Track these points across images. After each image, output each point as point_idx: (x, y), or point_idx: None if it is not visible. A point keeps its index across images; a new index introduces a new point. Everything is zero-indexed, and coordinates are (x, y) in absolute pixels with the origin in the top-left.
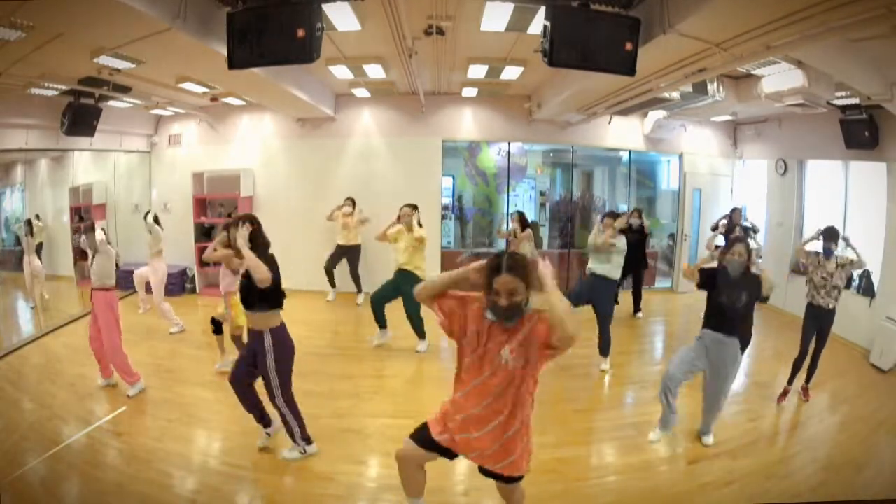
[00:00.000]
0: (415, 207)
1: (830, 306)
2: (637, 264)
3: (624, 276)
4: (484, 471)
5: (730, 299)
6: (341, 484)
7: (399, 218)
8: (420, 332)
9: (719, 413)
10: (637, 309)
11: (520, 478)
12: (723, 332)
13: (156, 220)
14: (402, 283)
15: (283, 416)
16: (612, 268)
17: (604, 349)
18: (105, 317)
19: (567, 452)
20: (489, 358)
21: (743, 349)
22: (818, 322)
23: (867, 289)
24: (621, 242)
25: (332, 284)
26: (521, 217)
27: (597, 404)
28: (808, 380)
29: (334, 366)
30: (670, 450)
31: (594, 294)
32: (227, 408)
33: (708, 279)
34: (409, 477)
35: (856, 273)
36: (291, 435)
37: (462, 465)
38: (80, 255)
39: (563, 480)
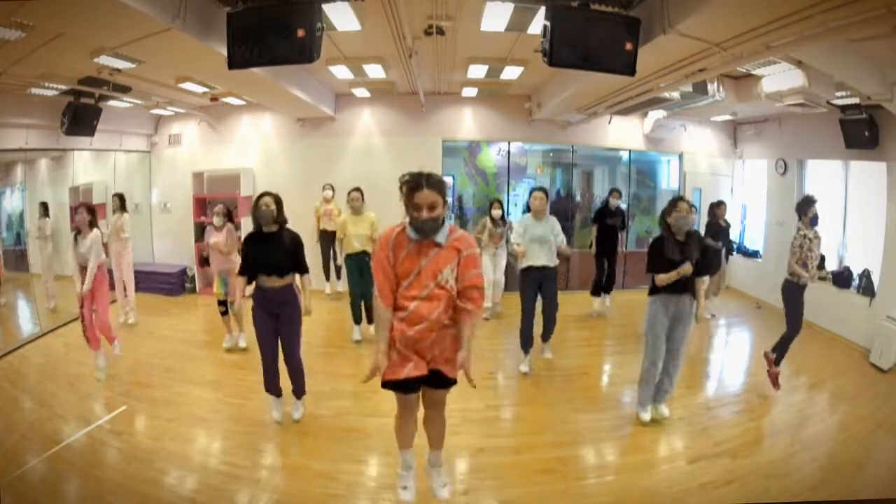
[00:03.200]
0: (361, 191)
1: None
2: (611, 252)
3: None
4: (422, 381)
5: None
6: (341, 483)
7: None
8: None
9: (678, 375)
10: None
11: (454, 381)
12: (677, 292)
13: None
14: (366, 269)
15: (300, 370)
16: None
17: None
18: (101, 290)
19: (567, 452)
20: (427, 275)
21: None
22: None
23: (867, 289)
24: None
25: (328, 277)
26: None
27: (596, 404)
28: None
29: (334, 365)
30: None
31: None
32: (228, 407)
33: (657, 255)
34: (403, 428)
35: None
36: (303, 389)
37: (462, 465)
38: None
39: (563, 480)
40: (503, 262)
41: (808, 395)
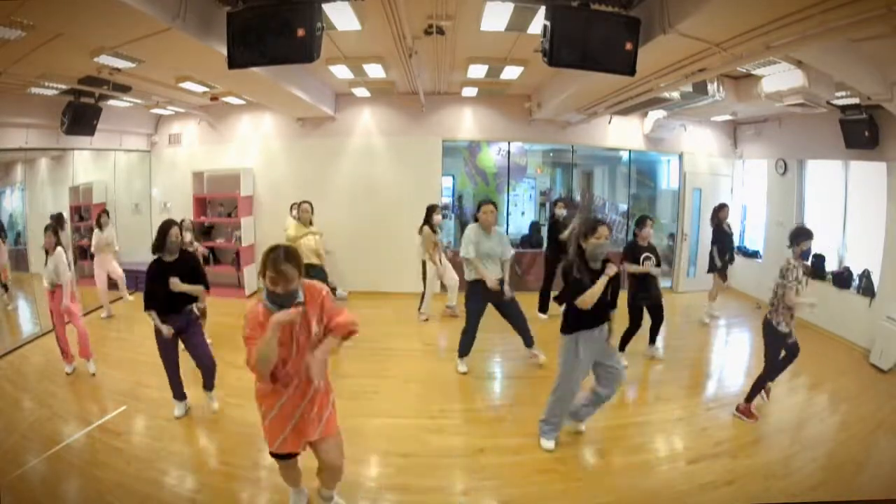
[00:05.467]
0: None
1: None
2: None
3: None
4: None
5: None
6: (341, 483)
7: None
8: None
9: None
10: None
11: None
12: (596, 325)
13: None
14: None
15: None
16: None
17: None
18: (73, 305)
19: (567, 452)
20: (300, 340)
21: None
22: (787, 348)
23: (867, 289)
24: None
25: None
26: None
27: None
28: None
29: (334, 365)
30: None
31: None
32: (227, 407)
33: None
34: (287, 476)
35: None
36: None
37: (462, 465)
38: (79, 254)
39: (563, 480)
40: (449, 264)
41: (808, 395)
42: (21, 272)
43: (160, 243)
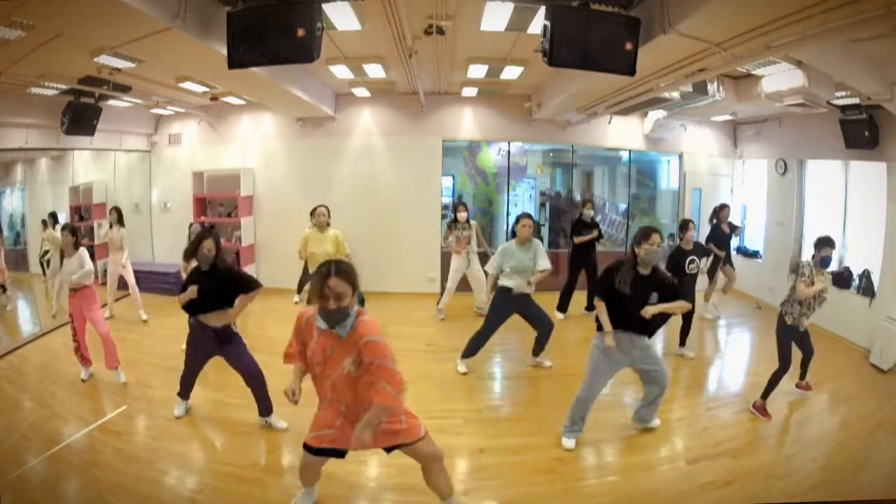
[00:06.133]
0: (327, 208)
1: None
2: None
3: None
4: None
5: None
6: (341, 483)
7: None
8: None
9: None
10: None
11: (419, 439)
12: (628, 330)
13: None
14: None
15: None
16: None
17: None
18: (95, 305)
19: (567, 452)
20: (331, 366)
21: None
22: (799, 341)
23: (867, 289)
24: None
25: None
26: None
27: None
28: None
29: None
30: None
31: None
32: (227, 407)
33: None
34: (305, 471)
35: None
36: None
37: (462, 465)
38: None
39: (563, 480)
40: (476, 260)
41: (808, 395)
42: (21, 272)
43: (193, 251)
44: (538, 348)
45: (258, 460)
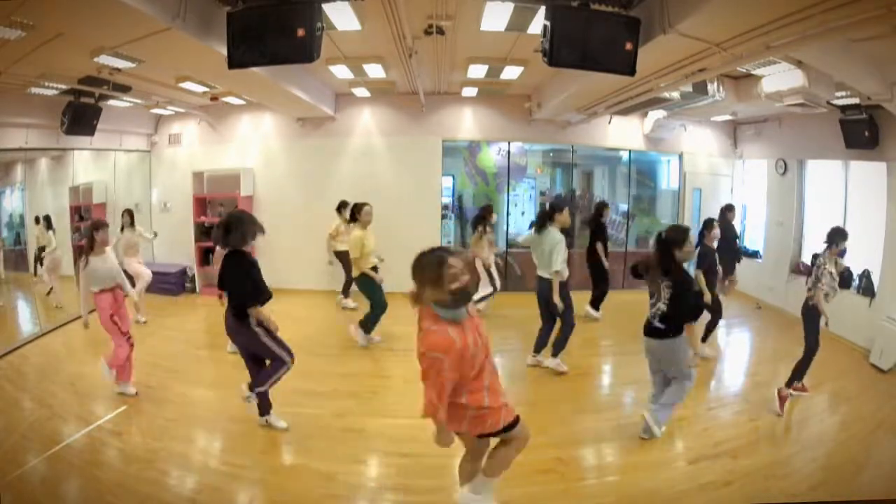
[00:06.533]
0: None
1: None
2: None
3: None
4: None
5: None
6: (341, 483)
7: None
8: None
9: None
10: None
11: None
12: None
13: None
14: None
15: None
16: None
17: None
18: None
19: (567, 452)
20: (484, 349)
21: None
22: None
23: (867, 289)
24: None
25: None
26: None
27: (596, 404)
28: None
29: (335, 365)
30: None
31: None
32: (228, 407)
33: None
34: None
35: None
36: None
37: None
38: (78, 254)
39: (563, 480)
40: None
41: (808, 395)
42: (21, 272)
43: (244, 234)
44: (541, 345)
45: (258, 460)
